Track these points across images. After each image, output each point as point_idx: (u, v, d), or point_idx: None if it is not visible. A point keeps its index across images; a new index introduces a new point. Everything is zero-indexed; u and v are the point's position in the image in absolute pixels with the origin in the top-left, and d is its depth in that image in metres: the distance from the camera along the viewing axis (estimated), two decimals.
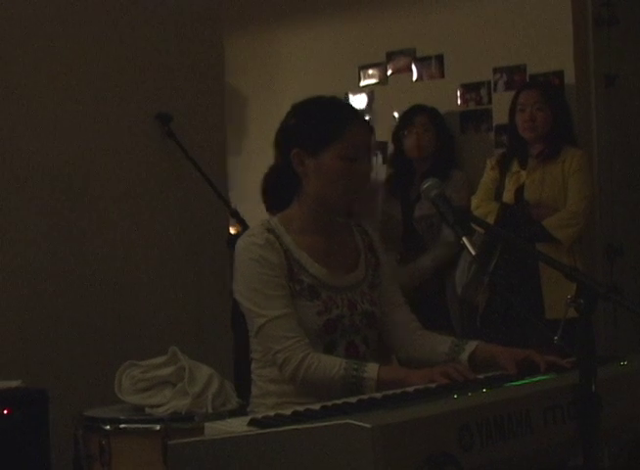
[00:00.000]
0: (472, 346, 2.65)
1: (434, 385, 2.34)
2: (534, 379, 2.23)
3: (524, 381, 2.20)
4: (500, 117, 4.99)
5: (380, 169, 5.48)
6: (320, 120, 2.62)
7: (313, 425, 1.80)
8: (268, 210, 2.81)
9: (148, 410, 3.21)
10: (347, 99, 5.74)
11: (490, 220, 4.49)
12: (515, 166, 4.70)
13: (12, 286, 3.83)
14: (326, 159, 2.59)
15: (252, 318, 2.60)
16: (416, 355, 2.74)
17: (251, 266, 2.59)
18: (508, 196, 4.67)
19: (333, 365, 2.50)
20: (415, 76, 5.55)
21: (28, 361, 3.79)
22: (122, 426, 3.15)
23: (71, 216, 4.06)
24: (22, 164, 3.93)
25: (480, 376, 2.42)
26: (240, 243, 2.65)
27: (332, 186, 2.60)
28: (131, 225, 4.27)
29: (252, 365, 2.72)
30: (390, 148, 5.33)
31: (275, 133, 2.74)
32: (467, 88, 5.34)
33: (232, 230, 4.67)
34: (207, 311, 4.52)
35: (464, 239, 2.32)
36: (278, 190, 2.73)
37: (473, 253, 2.35)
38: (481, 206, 4.68)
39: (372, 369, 2.47)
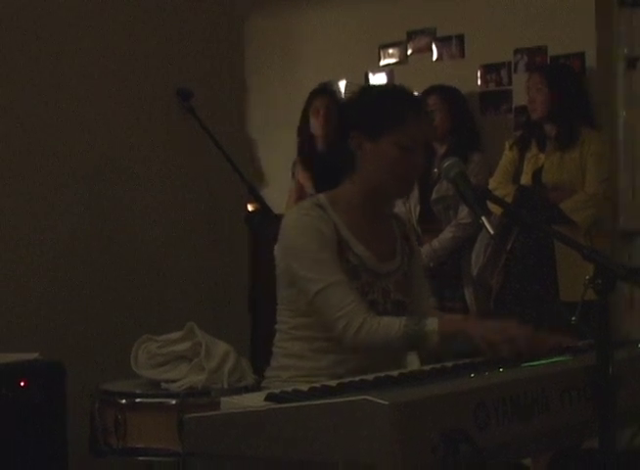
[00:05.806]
0: None
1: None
2: (551, 360, 2.23)
3: (541, 361, 2.20)
4: (520, 98, 4.97)
5: None
6: (382, 107, 2.66)
7: (330, 401, 1.81)
8: (318, 187, 2.83)
9: (164, 385, 3.22)
10: (367, 78, 5.73)
11: None
12: (533, 149, 4.69)
13: (30, 260, 3.85)
14: (383, 145, 2.63)
15: (308, 285, 2.58)
16: None
17: (305, 234, 2.60)
18: (525, 178, 4.67)
19: (393, 324, 2.51)
20: (435, 56, 5.53)
21: (46, 334, 3.80)
22: (138, 400, 3.16)
23: (93, 194, 4.07)
24: (53, 150, 3.93)
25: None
26: (290, 216, 2.68)
27: (385, 172, 2.64)
28: (150, 201, 4.27)
29: (276, 337, 2.74)
30: None
31: (337, 112, 2.78)
32: (487, 69, 5.32)
33: (249, 207, 4.66)
34: (225, 288, 4.53)
35: (483, 218, 2.32)
36: (331, 169, 2.76)
37: (491, 232, 2.36)
38: (499, 188, 4.67)
39: (432, 323, 2.49)
